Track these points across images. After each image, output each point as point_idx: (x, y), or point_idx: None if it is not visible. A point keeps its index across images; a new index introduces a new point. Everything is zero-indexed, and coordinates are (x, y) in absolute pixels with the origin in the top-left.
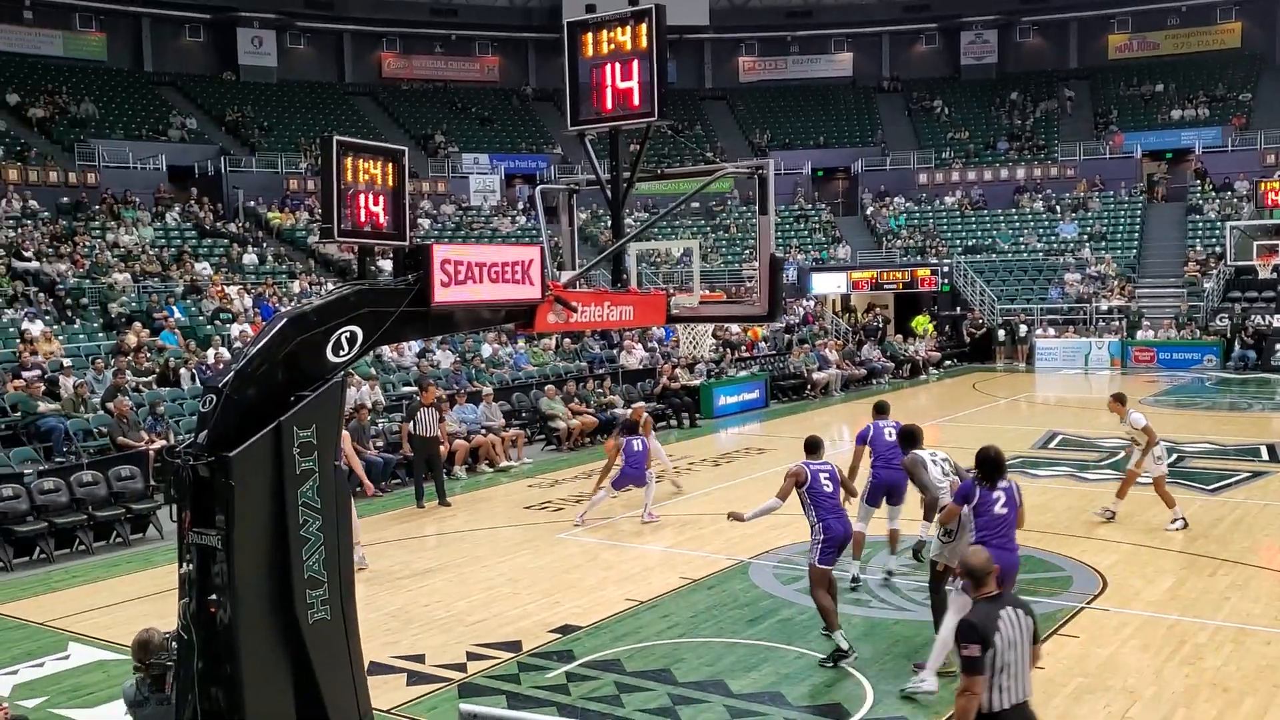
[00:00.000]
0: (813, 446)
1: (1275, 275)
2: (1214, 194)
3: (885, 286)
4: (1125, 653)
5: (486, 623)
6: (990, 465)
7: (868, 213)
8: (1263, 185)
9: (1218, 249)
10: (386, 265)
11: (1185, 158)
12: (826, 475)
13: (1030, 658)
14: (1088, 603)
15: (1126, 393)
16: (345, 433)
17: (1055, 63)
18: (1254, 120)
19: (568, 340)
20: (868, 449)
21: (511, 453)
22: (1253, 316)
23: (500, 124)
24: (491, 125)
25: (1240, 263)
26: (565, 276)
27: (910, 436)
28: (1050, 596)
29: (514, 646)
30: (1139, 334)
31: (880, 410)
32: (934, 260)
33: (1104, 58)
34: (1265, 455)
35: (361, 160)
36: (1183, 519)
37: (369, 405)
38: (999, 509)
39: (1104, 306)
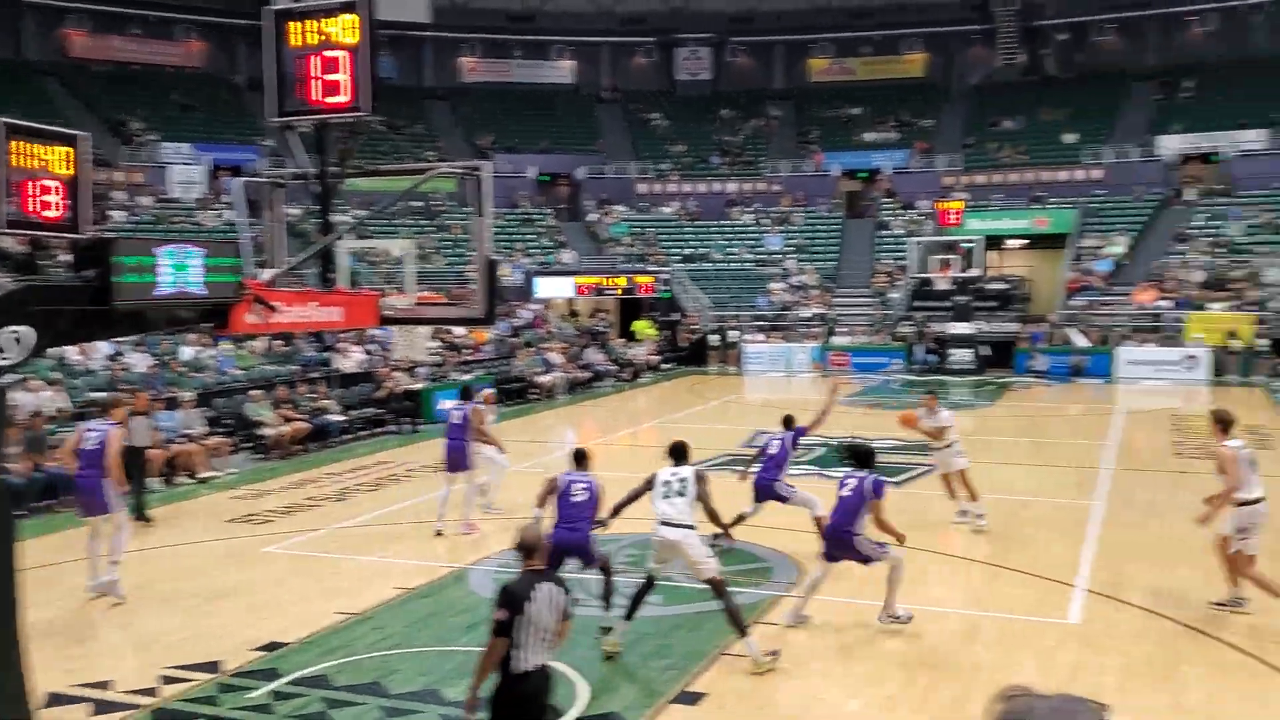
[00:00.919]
0: (577, 458)
1: (952, 286)
2: (901, 211)
3: (608, 292)
4: (819, 637)
5: (184, 643)
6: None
7: (590, 219)
8: (939, 205)
9: (903, 262)
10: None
11: (877, 177)
12: (583, 487)
13: (557, 632)
14: (787, 591)
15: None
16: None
17: (763, 82)
18: (935, 144)
19: (277, 342)
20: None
21: (215, 462)
22: (932, 324)
23: (206, 112)
24: (196, 113)
25: (922, 275)
26: (267, 275)
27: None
28: (754, 587)
29: (213, 667)
30: (835, 339)
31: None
32: (654, 267)
33: (806, 80)
34: None
35: (34, 145)
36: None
37: (48, 413)
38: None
39: (805, 314)
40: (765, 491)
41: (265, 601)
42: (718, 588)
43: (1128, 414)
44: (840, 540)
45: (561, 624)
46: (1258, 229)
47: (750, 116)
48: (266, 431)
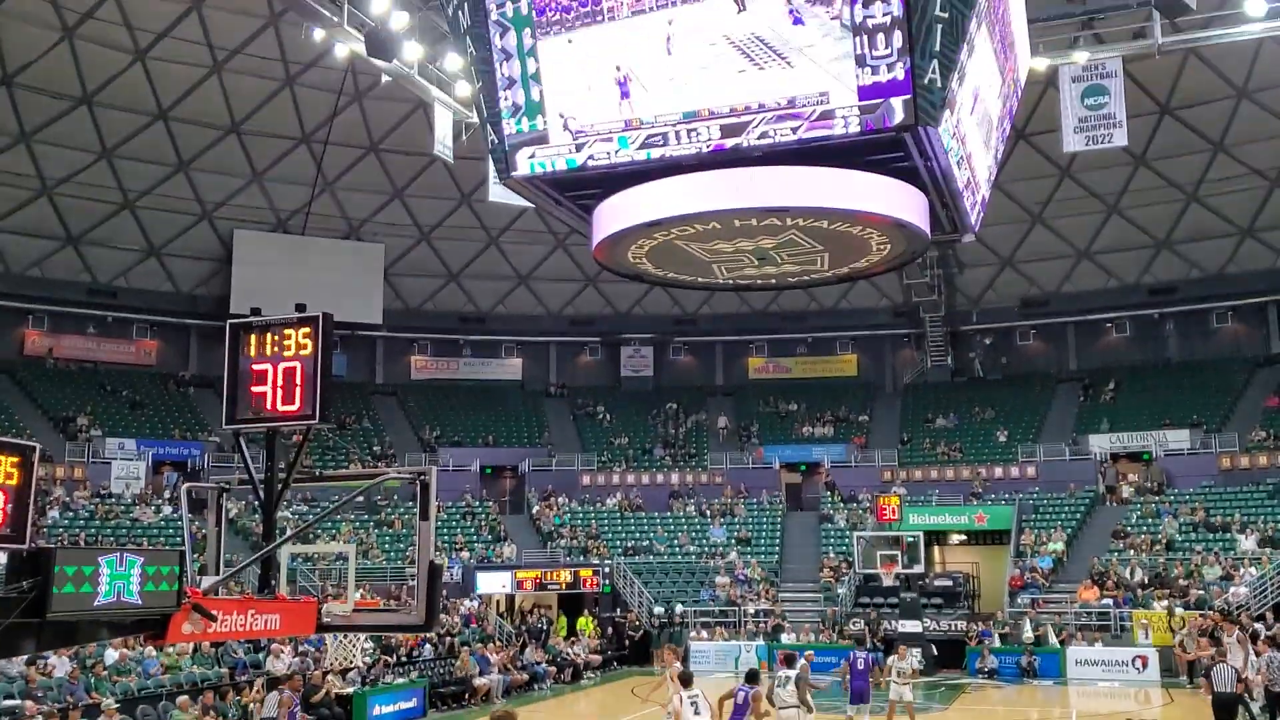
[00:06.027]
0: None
1: (897, 583)
2: (842, 504)
3: (549, 586)
4: None
5: None
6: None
7: (534, 511)
8: (880, 500)
9: (848, 557)
10: None
11: (817, 470)
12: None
13: None
14: None
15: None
16: None
17: (704, 378)
18: (871, 440)
19: (206, 644)
20: None
21: None
22: (882, 622)
23: (152, 408)
24: (142, 409)
25: (867, 570)
26: (206, 582)
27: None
28: None
29: None
30: (783, 637)
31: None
32: (596, 560)
33: (745, 377)
34: None
35: None
36: None
37: None
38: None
39: (751, 610)
40: None
41: None
42: None
43: (1083, 717)
44: None
45: None
46: (1190, 526)
47: (691, 410)
48: None
